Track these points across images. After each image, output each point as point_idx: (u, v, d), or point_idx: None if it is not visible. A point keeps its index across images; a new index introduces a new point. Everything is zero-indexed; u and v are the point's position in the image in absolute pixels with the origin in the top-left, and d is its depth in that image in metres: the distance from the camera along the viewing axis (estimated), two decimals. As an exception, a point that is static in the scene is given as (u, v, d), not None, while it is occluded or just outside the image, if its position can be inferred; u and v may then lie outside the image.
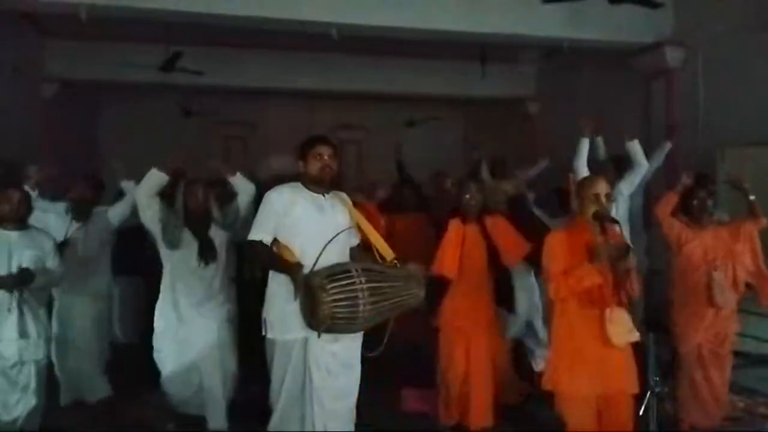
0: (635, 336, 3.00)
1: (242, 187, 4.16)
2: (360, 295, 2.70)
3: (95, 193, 4.78)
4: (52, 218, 4.47)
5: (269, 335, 3.08)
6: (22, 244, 3.66)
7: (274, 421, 3.13)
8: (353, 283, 2.71)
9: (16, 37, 7.66)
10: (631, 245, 3.04)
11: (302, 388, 3.04)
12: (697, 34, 6.74)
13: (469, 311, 4.05)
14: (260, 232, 3.04)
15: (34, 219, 4.10)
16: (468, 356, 4.06)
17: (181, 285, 3.92)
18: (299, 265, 2.88)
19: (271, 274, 3.10)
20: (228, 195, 4.38)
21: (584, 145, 4.82)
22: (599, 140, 5.51)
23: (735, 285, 4.03)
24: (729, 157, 6.00)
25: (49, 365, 4.11)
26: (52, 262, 3.78)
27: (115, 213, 4.67)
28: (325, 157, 3.09)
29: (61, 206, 4.61)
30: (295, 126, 10.93)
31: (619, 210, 4.75)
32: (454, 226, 4.10)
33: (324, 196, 3.13)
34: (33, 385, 3.70)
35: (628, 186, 4.93)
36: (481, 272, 4.11)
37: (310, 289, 2.74)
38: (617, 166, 5.23)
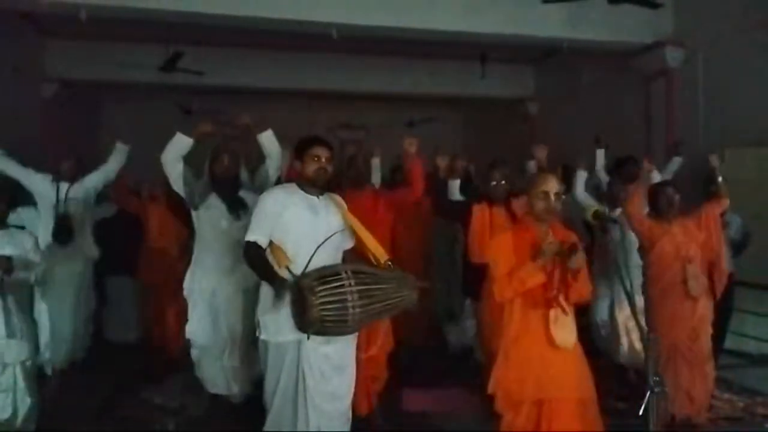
0: (573, 341, 2.94)
1: (271, 148, 4.06)
2: (349, 297, 2.68)
3: (81, 168, 4.95)
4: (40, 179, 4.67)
5: (263, 336, 3.08)
6: (2, 243, 3.64)
7: (269, 423, 3.12)
8: (342, 286, 2.69)
9: (16, 37, 7.67)
10: (579, 244, 2.93)
11: (295, 390, 3.02)
12: (697, 34, 6.75)
13: None
14: (255, 234, 3.03)
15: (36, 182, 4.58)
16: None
17: (209, 250, 3.94)
18: (282, 280, 2.86)
19: None
20: (258, 158, 4.26)
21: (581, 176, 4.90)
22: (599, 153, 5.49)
23: (705, 273, 4.07)
24: (729, 157, 6.00)
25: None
26: (33, 258, 3.74)
27: (99, 174, 4.87)
28: (322, 159, 3.08)
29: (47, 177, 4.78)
30: (295, 126, 10.92)
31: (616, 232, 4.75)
32: (478, 210, 4.05)
33: (318, 197, 3.12)
34: (22, 385, 3.64)
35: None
36: None
37: (299, 292, 2.73)
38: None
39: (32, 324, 3.96)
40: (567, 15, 6.46)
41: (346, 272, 2.75)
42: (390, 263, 3.04)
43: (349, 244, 3.19)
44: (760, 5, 5.99)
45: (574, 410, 2.92)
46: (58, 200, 4.65)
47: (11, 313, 3.62)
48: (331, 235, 2.96)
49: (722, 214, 4.39)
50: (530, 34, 6.79)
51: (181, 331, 4.66)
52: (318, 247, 2.85)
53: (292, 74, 9.21)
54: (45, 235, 4.59)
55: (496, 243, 3.03)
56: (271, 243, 3.03)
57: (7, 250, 3.58)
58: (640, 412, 2.65)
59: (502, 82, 9.69)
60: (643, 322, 4.41)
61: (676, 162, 5.66)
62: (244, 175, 4.17)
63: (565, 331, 2.91)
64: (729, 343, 5.52)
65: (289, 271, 2.90)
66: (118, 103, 10.62)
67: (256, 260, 3.02)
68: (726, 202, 4.23)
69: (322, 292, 2.66)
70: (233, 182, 4.04)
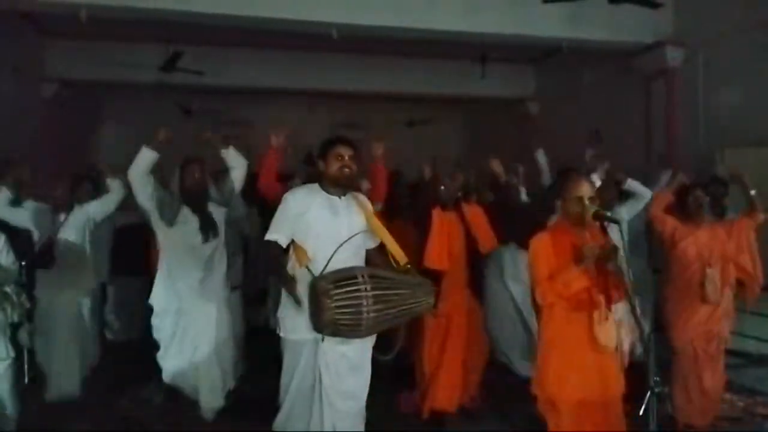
0: (616, 340, 2.98)
1: (235, 161, 4.27)
2: (364, 302, 2.70)
3: (78, 190, 4.75)
4: (28, 215, 4.48)
5: (282, 334, 3.13)
6: None
7: (281, 419, 3.16)
8: (358, 290, 2.71)
9: (16, 37, 7.67)
10: (617, 245, 2.97)
11: (312, 388, 3.06)
12: (698, 34, 6.75)
13: (448, 297, 4.04)
14: (275, 233, 3.06)
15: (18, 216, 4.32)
16: (445, 341, 4.14)
17: (179, 264, 3.97)
18: (291, 283, 2.91)
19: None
20: (221, 171, 4.48)
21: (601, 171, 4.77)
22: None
23: (727, 283, 4.03)
24: (729, 157, 6.01)
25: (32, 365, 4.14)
26: (5, 259, 3.68)
27: (97, 207, 4.67)
28: (345, 158, 3.09)
29: (44, 205, 4.62)
30: (295, 126, 10.93)
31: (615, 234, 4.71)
32: (437, 215, 4.12)
33: (340, 198, 3.13)
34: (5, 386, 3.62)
35: (629, 211, 4.83)
36: (461, 260, 4.17)
37: (315, 294, 2.77)
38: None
39: (6, 323, 3.75)
40: (567, 15, 6.45)
41: (362, 276, 2.76)
42: (409, 266, 3.06)
43: (372, 245, 3.20)
44: (760, 5, 5.99)
45: (614, 410, 3.00)
46: (53, 232, 4.46)
47: None
48: (351, 237, 2.97)
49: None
50: (530, 34, 6.79)
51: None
52: (338, 248, 2.87)
53: (292, 74, 9.21)
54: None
55: (536, 246, 3.05)
56: (293, 242, 3.06)
57: None
58: (641, 412, 2.65)
59: (502, 82, 9.68)
60: (644, 323, 4.43)
61: (665, 177, 5.53)
62: (212, 189, 4.26)
63: (608, 332, 2.94)
64: (729, 343, 5.52)
65: (309, 270, 2.92)
66: (118, 103, 10.62)
67: (272, 260, 3.07)
68: (761, 217, 4.09)
69: (338, 296, 2.69)
70: (203, 195, 4.09)
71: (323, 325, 2.74)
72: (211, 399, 4.13)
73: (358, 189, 3.45)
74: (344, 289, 2.71)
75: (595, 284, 2.93)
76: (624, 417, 3.03)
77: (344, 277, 2.77)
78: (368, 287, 2.72)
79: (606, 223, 3.31)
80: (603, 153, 5.28)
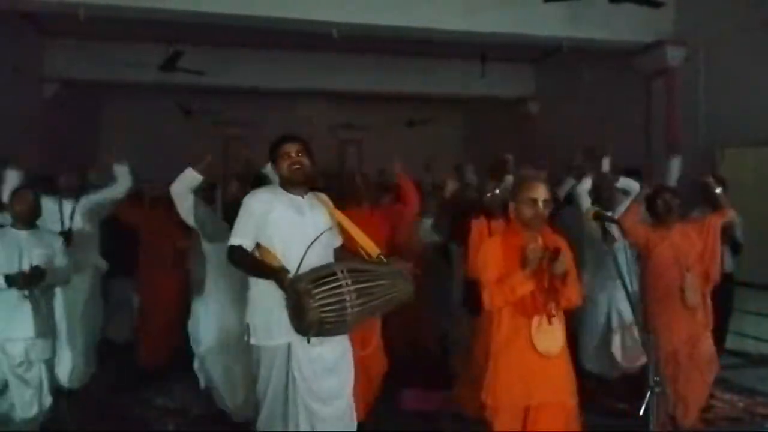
0: (559, 348, 2.93)
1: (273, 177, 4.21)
2: (347, 297, 2.64)
3: (82, 181, 4.82)
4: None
5: (252, 341, 3.01)
6: (32, 243, 3.70)
7: (262, 419, 3.07)
8: (340, 286, 2.64)
9: (16, 37, 7.67)
10: (562, 248, 2.91)
11: (284, 390, 2.98)
12: (698, 34, 6.74)
13: None
14: (240, 238, 2.95)
15: None
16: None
17: (221, 279, 3.98)
18: (284, 270, 2.80)
19: (252, 279, 3.02)
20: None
21: (587, 183, 4.78)
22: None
23: (707, 281, 4.01)
24: (729, 157, 6.01)
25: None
26: (60, 261, 3.81)
27: (105, 196, 4.71)
28: (293, 155, 3.00)
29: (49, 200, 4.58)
30: (295, 126, 10.93)
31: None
32: (478, 225, 4.01)
33: (303, 197, 3.06)
34: (46, 384, 3.72)
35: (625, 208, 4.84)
36: None
37: (296, 295, 2.68)
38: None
39: (55, 322, 3.96)
40: (567, 15, 6.45)
41: (341, 272, 2.69)
42: (382, 256, 2.97)
43: (339, 242, 3.14)
44: (760, 5, 5.99)
45: (559, 416, 2.93)
46: (62, 219, 4.51)
47: (40, 312, 3.68)
48: (320, 235, 2.91)
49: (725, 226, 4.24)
50: (530, 34, 6.78)
51: (168, 340, 4.72)
52: (308, 248, 2.81)
53: (293, 74, 9.21)
54: None
55: (485, 250, 3.01)
56: (258, 246, 2.98)
57: (36, 253, 3.65)
58: (641, 412, 2.64)
59: (502, 82, 9.67)
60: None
61: (676, 164, 5.47)
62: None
63: (548, 338, 2.89)
64: (729, 343, 5.52)
65: None
66: (118, 103, 10.63)
67: (244, 261, 2.96)
68: (730, 214, 4.11)
69: (320, 294, 2.61)
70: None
71: (308, 326, 2.64)
72: (239, 411, 4.10)
73: (315, 185, 3.31)
74: (325, 287, 2.63)
75: (542, 288, 2.87)
76: (576, 423, 2.97)
77: (323, 275, 2.69)
78: (349, 282, 2.65)
79: (606, 223, 3.29)
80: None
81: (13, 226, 3.73)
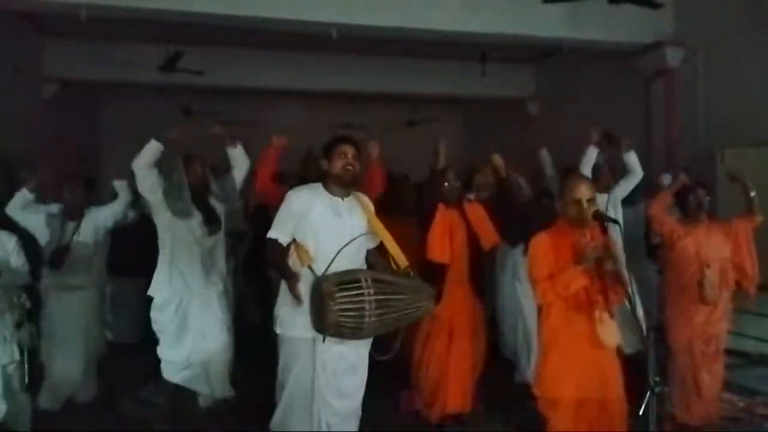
0: (619, 339, 2.99)
1: (239, 160, 4.38)
2: (367, 306, 2.74)
3: (87, 194, 4.76)
4: (43, 218, 4.42)
5: (279, 331, 3.14)
6: None
7: (278, 416, 3.17)
8: (362, 294, 2.74)
9: (16, 37, 7.66)
10: (612, 247, 3.01)
11: (309, 386, 3.07)
12: (697, 34, 6.74)
13: (451, 294, 4.05)
14: (277, 232, 3.09)
15: (32, 221, 4.29)
16: (450, 343, 4.12)
17: (182, 257, 4.02)
18: (293, 278, 2.93)
19: None
20: (224, 168, 4.56)
21: (592, 154, 4.79)
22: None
23: (725, 283, 4.03)
24: (729, 157, 6.00)
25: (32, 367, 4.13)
26: (15, 260, 3.71)
27: (109, 213, 4.67)
28: (349, 156, 3.13)
29: (54, 207, 4.58)
30: (295, 126, 10.90)
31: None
32: (440, 210, 4.13)
33: (343, 199, 3.16)
34: (2, 390, 3.62)
35: (622, 191, 4.83)
36: (463, 258, 4.17)
37: (319, 295, 2.78)
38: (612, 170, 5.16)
39: (14, 327, 3.80)
40: (567, 15, 6.45)
41: (366, 280, 2.79)
42: (409, 270, 3.07)
43: (372, 245, 3.22)
44: (760, 5, 5.99)
45: (614, 409, 3.00)
46: (62, 237, 4.42)
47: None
48: (353, 239, 2.99)
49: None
50: (530, 34, 6.78)
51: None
52: (339, 250, 2.89)
53: (292, 74, 9.21)
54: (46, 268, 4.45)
55: (536, 246, 3.07)
56: (294, 241, 3.08)
57: None
58: (640, 412, 2.65)
59: (502, 82, 9.67)
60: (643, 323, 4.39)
61: (666, 179, 5.53)
62: (213, 185, 4.33)
63: (610, 331, 2.96)
64: (729, 342, 5.51)
65: (312, 270, 2.94)
66: (118, 103, 10.62)
67: (275, 257, 3.09)
68: (758, 219, 4.11)
69: (342, 298, 2.72)
70: (205, 190, 4.18)
71: (326, 326, 2.75)
72: (218, 388, 4.15)
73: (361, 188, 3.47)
74: (348, 293, 2.74)
75: (593, 284, 2.94)
76: (625, 417, 3.03)
77: (348, 280, 2.79)
78: (371, 291, 2.76)
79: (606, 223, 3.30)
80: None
81: None
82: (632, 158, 4.79)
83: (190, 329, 4.08)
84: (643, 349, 4.62)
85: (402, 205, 5.28)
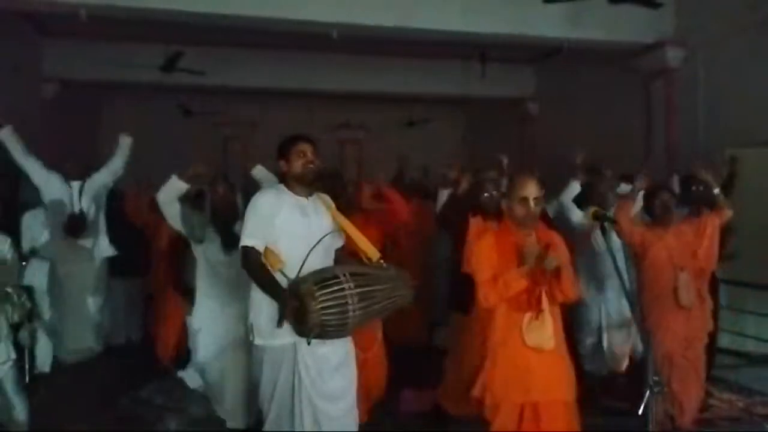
0: (551, 343, 2.94)
1: (264, 179, 4.20)
2: (349, 300, 2.65)
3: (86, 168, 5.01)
4: (54, 179, 4.68)
5: (257, 341, 3.02)
6: None
7: (269, 425, 3.08)
8: (342, 289, 2.65)
9: (16, 37, 7.67)
10: (555, 244, 2.96)
11: (291, 391, 2.99)
12: (698, 34, 6.75)
13: None
14: (253, 239, 2.96)
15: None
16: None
17: (209, 282, 3.95)
18: (285, 292, 2.78)
19: None
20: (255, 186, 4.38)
21: (574, 187, 4.78)
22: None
23: (702, 283, 4.01)
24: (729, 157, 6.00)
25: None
26: (9, 259, 3.71)
27: (106, 172, 4.92)
28: (308, 154, 3.06)
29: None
30: (295, 126, 10.87)
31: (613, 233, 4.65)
32: (474, 224, 3.96)
33: (307, 198, 3.10)
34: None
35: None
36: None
37: (298, 297, 2.68)
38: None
39: (9, 327, 3.78)
40: (567, 15, 6.45)
41: (344, 275, 2.71)
42: (382, 261, 3.00)
43: (340, 244, 3.16)
44: (760, 5, 5.99)
45: (559, 412, 2.94)
46: (71, 199, 4.66)
47: None
48: (323, 237, 2.92)
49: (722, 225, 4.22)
50: (530, 34, 6.79)
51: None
52: (311, 249, 2.80)
53: (292, 74, 9.21)
54: (56, 234, 4.58)
55: (479, 248, 3.02)
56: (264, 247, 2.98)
57: None
58: (640, 412, 2.65)
59: (502, 82, 9.68)
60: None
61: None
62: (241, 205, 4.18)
63: (539, 333, 2.91)
64: (729, 343, 5.53)
65: (283, 274, 2.84)
66: (118, 103, 10.62)
67: (257, 270, 2.94)
68: (728, 213, 4.13)
69: (322, 297, 2.62)
70: (231, 212, 3.97)
71: (309, 328, 2.64)
72: (231, 416, 4.01)
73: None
74: (328, 290, 2.64)
75: (536, 285, 2.89)
76: (575, 419, 2.97)
77: (326, 277, 2.70)
78: (351, 285, 2.67)
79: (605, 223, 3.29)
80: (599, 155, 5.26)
81: None
82: (624, 189, 4.71)
83: (214, 355, 3.98)
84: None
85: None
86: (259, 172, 4.22)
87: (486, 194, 4.11)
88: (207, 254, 3.91)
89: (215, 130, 11.08)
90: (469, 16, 6.51)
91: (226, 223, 3.95)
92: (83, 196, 4.75)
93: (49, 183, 4.75)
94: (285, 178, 3.13)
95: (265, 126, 11.43)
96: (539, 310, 2.90)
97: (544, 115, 10.05)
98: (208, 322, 3.96)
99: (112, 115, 10.80)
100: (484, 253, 2.97)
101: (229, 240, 3.89)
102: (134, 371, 5.08)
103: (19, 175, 4.92)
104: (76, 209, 4.69)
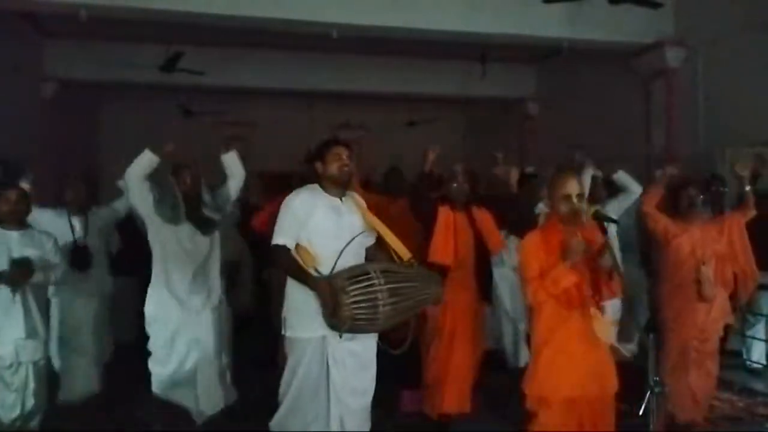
0: (613, 337, 3.00)
1: (234, 169, 4.13)
2: (380, 296, 2.77)
3: (89, 191, 4.76)
4: (48, 215, 4.43)
5: (288, 333, 3.14)
6: (23, 244, 3.67)
7: (280, 415, 3.16)
8: (373, 285, 2.78)
9: (16, 37, 7.67)
10: (608, 242, 2.99)
11: (315, 385, 3.08)
12: (697, 34, 6.75)
13: (455, 298, 4.01)
14: (283, 237, 3.08)
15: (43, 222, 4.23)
16: (451, 344, 4.10)
17: (173, 266, 3.88)
18: (317, 279, 2.95)
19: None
20: (220, 178, 4.34)
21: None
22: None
23: (723, 280, 4.02)
24: (729, 157, 6.00)
25: (49, 365, 4.15)
26: (54, 260, 3.79)
27: (109, 212, 4.76)
28: (344, 157, 3.17)
29: (61, 211, 4.58)
30: (295, 126, 10.94)
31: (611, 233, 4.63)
32: (443, 212, 4.10)
33: (341, 199, 3.20)
34: (32, 386, 3.70)
35: (618, 207, 4.70)
36: (469, 262, 4.15)
37: (331, 292, 2.82)
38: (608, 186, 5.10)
39: (47, 324, 3.96)
40: (567, 15, 6.46)
41: (375, 271, 2.84)
42: (412, 261, 3.10)
43: (370, 242, 3.25)
44: (760, 5, 5.99)
45: (606, 406, 2.98)
46: (74, 235, 4.49)
47: (31, 313, 3.67)
48: (355, 237, 3.04)
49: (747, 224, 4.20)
50: (530, 34, 6.79)
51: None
52: (343, 248, 2.93)
53: (292, 74, 9.22)
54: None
55: (526, 245, 3.04)
56: (297, 244, 3.09)
57: (27, 253, 3.63)
58: (640, 412, 2.65)
59: (502, 82, 9.68)
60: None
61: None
62: (205, 195, 4.14)
63: (604, 326, 2.97)
64: (729, 342, 5.51)
65: (317, 271, 2.98)
66: (118, 103, 10.62)
67: (287, 263, 3.08)
68: (752, 213, 4.11)
69: (354, 291, 2.76)
70: (196, 201, 3.98)
71: (341, 321, 2.79)
72: (207, 404, 4.03)
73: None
74: (359, 285, 2.77)
75: (585, 281, 2.91)
76: (615, 414, 3.01)
77: (357, 273, 2.84)
78: (382, 281, 2.80)
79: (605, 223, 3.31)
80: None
81: (1, 226, 3.68)
82: (624, 178, 4.67)
83: (178, 345, 3.92)
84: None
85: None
86: (229, 158, 4.12)
87: (454, 184, 4.17)
88: (179, 236, 3.87)
89: (215, 130, 11.06)
90: (470, 16, 6.51)
91: (194, 207, 3.96)
92: (90, 232, 4.56)
93: (51, 223, 4.37)
94: (320, 180, 3.22)
95: (265, 126, 11.44)
96: (600, 305, 2.95)
97: (544, 115, 10.05)
98: (165, 310, 3.90)
99: (112, 115, 10.82)
100: (531, 250, 2.99)
101: (201, 223, 3.93)
102: (133, 371, 5.07)
103: None
104: (79, 243, 4.48)
